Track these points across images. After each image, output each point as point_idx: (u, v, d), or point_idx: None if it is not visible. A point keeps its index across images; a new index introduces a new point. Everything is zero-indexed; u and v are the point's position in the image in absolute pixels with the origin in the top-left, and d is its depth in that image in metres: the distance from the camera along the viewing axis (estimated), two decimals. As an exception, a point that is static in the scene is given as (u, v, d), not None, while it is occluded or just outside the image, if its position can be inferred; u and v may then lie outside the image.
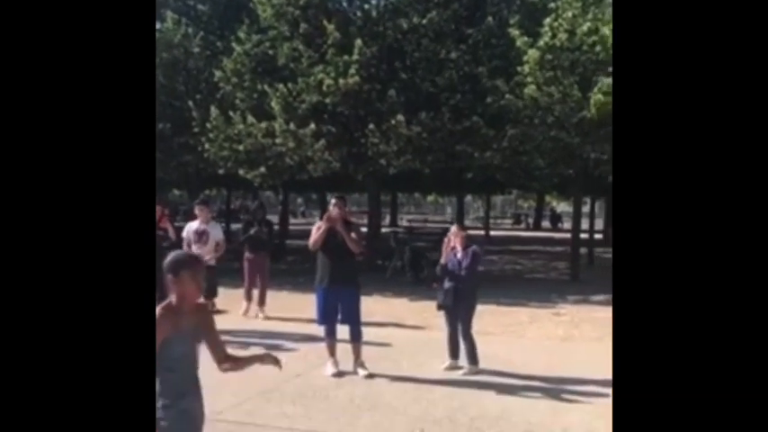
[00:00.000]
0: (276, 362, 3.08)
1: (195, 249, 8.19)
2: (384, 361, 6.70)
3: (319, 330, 6.68)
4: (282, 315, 9.33)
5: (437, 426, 4.95)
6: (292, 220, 33.86)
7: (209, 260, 8.24)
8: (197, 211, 8.81)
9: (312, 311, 9.67)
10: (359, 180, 14.42)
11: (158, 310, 2.74)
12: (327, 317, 6.36)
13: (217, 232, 8.85)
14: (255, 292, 9.53)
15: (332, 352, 6.44)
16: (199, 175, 15.91)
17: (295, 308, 10.02)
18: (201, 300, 3.01)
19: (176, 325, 2.71)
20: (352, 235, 6.30)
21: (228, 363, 2.99)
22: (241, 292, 9.72)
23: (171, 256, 2.87)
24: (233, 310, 9.47)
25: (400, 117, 11.97)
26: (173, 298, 2.78)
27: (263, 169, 12.89)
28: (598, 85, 11.07)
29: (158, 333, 2.64)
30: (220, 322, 8.61)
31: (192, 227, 8.73)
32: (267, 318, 9.24)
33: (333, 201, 6.53)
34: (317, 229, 6.44)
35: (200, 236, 8.61)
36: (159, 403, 2.70)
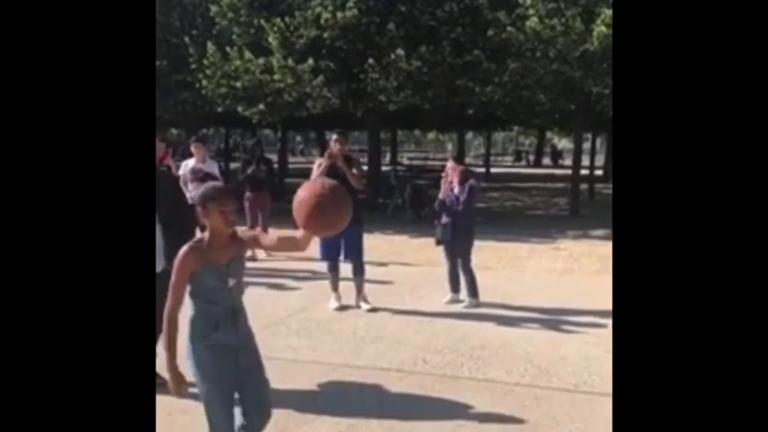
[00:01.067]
0: None
1: (192, 188, 8.18)
2: (386, 295, 6.80)
3: (322, 267, 6.76)
4: (284, 253, 9.38)
5: (439, 355, 5.07)
6: (291, 159, 33.82)
7: None
8: (193, 148, 8.70)
9: (314, 249, 9.78)
10: (358, 117, 14.30)
11: (186, 246, 2.79)
12: (330, 253, 6.42)
13: (213, 170, 8.79)
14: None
15: (335, 287, 6.53)
16: (196, 113, 15.78)
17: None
18: (245, 232, 2.94)
19: (205, 259, 2.73)
20: (354, 171, 6.30)
21: (280, 243, 3.01)
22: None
23: (200, 188, 2.89)
24: None
25: (400, 51, 11.79)
26: (206, 232, 2.82)
27: (261, 106, 12.78)
28: (601, 17, 10.85)
29: (184, 267, 2.71)
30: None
31: (188, 165, 8.68)
32: (270, 256, 9.32)
33: (334, 136, 6.50)
34: (317, 167, 6.43)
35: (197, 174, 8.58)
36: (195, 334, 2.78)
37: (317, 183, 2.82)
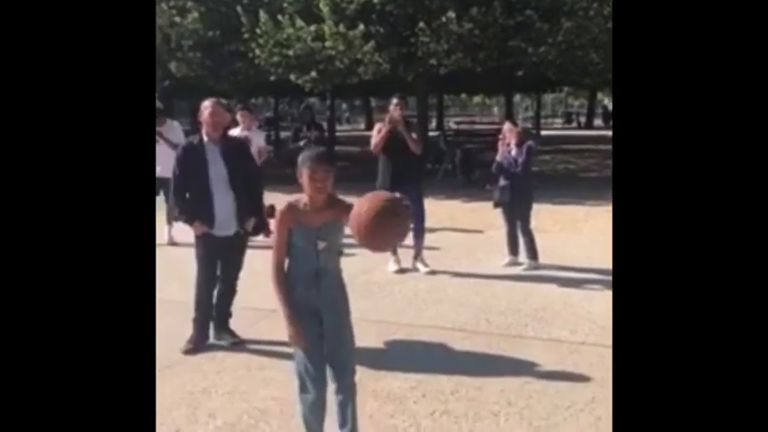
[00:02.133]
0: None
1: None
2: (443, 259, 6.88)
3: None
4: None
5: (502, 316, 5.15)
6: (338, 127, 33.90)
7: None
8: (239, 117, 8.60)
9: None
10: (408, 82, 14.23)
11: (286, 203, 2.94)
12: None
13: (258, 139, 8.64)
14: None
15: (394, 250, 6.64)
16: (248, 82, 15.93)
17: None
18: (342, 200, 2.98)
19: (299, 218, 2.88)
20: (414, 135, 6.36)
21: None
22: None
23: (304, 152, 3.00)
24: None
25: (451, 14, 11.65)
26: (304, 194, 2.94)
27: (313, 74, 12.83)
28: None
29: (281, 223, 2.88)
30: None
31: (233, 134, 8.71)
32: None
33: (394, 101, 6.54)
34: (377, 132, 6.50)
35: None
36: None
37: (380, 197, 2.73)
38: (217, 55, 13.69)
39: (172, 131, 8.30)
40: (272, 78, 13.72)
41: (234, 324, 4.76)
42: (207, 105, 4.61)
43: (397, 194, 2.73)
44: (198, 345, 4.57)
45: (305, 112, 9.96)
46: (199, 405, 3.71)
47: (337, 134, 26.29)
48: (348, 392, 3.00)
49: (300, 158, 2.90)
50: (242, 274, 4.78)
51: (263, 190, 4.96)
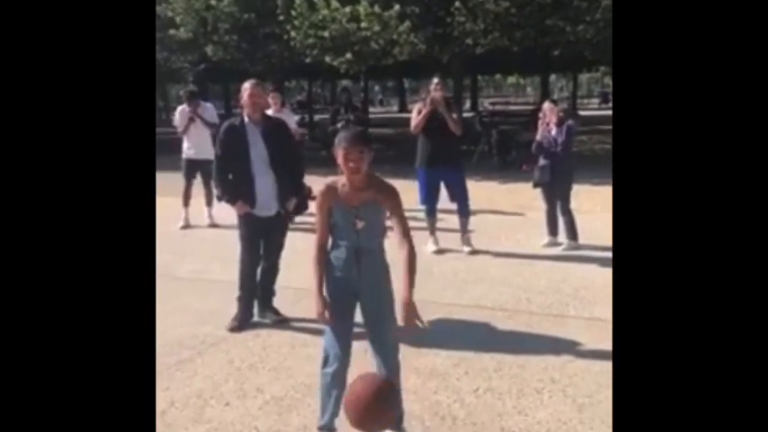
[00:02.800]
0: (410, 320, 2.91)
1: None
2: (482, 239, 6.87)
3: (411, 214, 6.89)
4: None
5: (543, 295, 5.14)
6: (371, 109, 33.88)
7: None
8: (270, 99, 8.38)
9: (404, 196, 9.89)
10: (443, 63, 14.15)
11: (325, 183, 2.99)
12: (429, 197, 6.55)
13: (290, 121, 8.46)
14: None
15: (432, 230, 6.66)
16: (282, 65, 16.01)
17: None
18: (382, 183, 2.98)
19: (338, 198, 2.93)
20: (454, 116, 6.36)
21: (402, 252, 2.94)
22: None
23: (341, 132, 3.05)
24: None
25: (487, -8, 11.55)
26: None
27: (348, 55, 12.83)
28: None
29: (320, 202, 2.96)
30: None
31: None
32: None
33: (435, 80, 6.54)
34: (417, 112, 6.50)
35: None
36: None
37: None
38: (252, 38, 13.78)
39: (206, 113, 8.39)
40: (307, 60, 13.77)
41: (277, 302, 4.84)
42: (246, 87, 4.66)
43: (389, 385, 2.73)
44: (242, 322, 4.66)
45: (342, 94, 9.88)
46: (246, 380, 3.80)
47: (371, 116, 26.27)
48: (392, 372, 3.03)
49: (337, 139, 2.93)
50: (284, 254, 4.84)
51: (303, 170, 5.02)
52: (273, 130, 4.72)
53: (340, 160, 2.89)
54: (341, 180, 2.97)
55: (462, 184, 6.56)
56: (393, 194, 2.93)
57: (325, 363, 3.04)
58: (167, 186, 9.57)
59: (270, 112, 8.18)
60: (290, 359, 4.09)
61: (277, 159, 4.60)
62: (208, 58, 15.59)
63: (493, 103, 31.83)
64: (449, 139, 6.38)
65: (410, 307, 2.84)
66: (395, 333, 3.08)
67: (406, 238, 2.91)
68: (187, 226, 8.19)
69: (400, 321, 2.89)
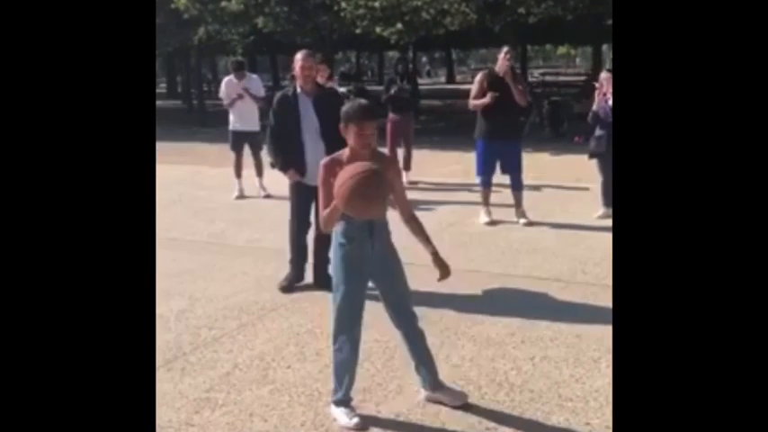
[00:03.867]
0: (445, 271, 3.15)
1: None
2: (535, 211, 6.83)
3: (462, 186, 6.90)
4: (426, 174, 9.47)
5: (598, 267, 5.10)
6: (419, 80, 33.64)
7: None
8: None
9: (454, 168, 9.93)
10: (494, 33, 13.95)
11: (327, 157, 2.99)
12: (486, 168, 6.53)
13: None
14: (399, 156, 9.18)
15: (486, 201, 6.65)
16: (332, 36, 16.02)
17: (437, 165, 10.29)
18: (384, 154, 3.06)
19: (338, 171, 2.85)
20: (519, 87, 6.31)
21: (410, 225, 3.12)
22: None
23: (347, 104, 3.02)
24: None
25: (541, -40, 11.31)
26: (347, 148, 2.96)
27: (399, 26, 12.77)
28: None
29: (324, 175, 2.90)
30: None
31: (360, 86, 8.63)
32: (412, 183, 8.75)
33: (505, 48, 6.47)
34: (478, 84, 6.47)
35: None
36: (335, 243, 3.03)
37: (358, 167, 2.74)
38: (302, 9, 13.81)
39: (252, 85, 8.45)
40: (357, 31, 13.74)
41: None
42: (298, 58, 4.75)
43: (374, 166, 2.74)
44: (292, 282, 4.81)
45: (398, 64, 9.63)
46: (306, 344, 3.90)
47: (419, 87, 26.09)
48: (421, 337, 3.14)
49: (344, 115, 2.91)
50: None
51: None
52: (325, 100, 4.76)
53: (351, 135, 2.90)
54: (344, 154, 2.96)
55: (519, 156, 6.52)
56: (394, 163, 3.06)
57: (335, 338, 3.07)
58: (221, 157, 9.77)
59: None
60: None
61: (328, 129, 4.64)
62: (257, 29, 15.69)
63: (543, 74, 31.26)
64: (511, 111, 6.36)
65: (437, 257, 3.11)
66: (410, 299, 3.19)
67: (408, 204, 3.12)
68: (242, 196, 8.34)
69: (435, 277, 3.12)
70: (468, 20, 12.52)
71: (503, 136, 6.36)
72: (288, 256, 4.89)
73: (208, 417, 3.13)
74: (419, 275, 5.20)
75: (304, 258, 4.88)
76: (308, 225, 4.83)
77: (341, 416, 3.03)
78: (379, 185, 2.70)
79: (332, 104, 4.81)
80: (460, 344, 3.85)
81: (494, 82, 6.32)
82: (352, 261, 3.00)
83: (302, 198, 4.75)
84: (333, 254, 3.08)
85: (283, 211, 5.15)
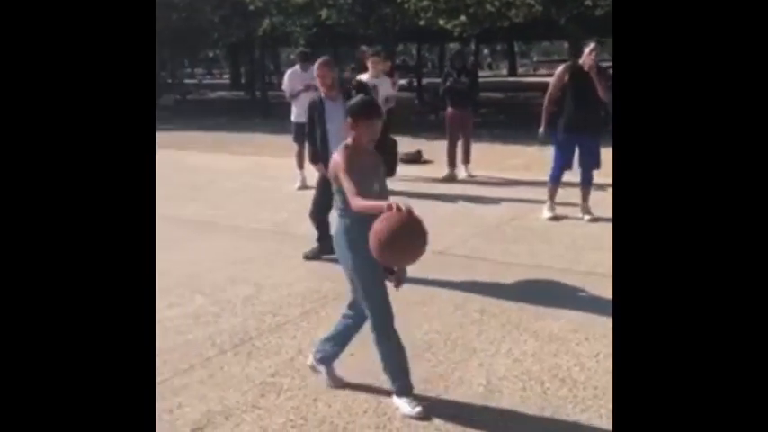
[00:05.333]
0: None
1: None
2: (601, 206, 6.71)
3: (523, 182, 6.81)
4: (485, 167, 9.38)
5: (665, 265, 4.98)
6: (480, 73, 33.33)
7: None
8: (369, 63, 8.20)
9: (515, 162, 9.82)
10: (559, 25, 13.70)
11: (337, 153, 3.02)
12: (564, 162, 6.44)
13: (387, 87, 8.15)
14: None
15: (552, 197, 6.56)
16: (395, 28, 16.03)
17: (497, 159, 10.20)
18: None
19: (357, 162, 2.94)
20: (605, 83, 6.21)
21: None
22: (440, 144, 9.57)
23: (355, 100, 3.13)
24: (438, 161, 9.59)
25: (610, -50, 11.02)
26: (349, 139, 3.05)
27: (462, 18, 12.67)
28: None
29: (349, 165, 2.90)
30: (428, 186, 8.98)
31: (361, 80, 8.43)
32: (471, 176, 8.77)
33: (591, 45, 6.36)
34: (559, 79, 6.39)
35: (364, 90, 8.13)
36: (340, 228, 3.09)
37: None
38: (366, 0, 13.84)
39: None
40: (420, 23, 13.70)
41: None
42: (316, 67, 5.38)
43: (414, 214, 2.69)
44: (317, 254, 5.40)
45: (456, 58, 9.40)
46: (367, 333, 3.93)
47: (480, 80, 25.89)
48: (359, 327, 3.32)
49: (352, 110, 3.02)
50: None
51: (388, 141, 5.28)
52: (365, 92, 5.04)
53: (362, 128, 2.97)
54: (350, 143, 3.03)
55: (598, 152, 6.37)
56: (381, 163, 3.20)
57: (381, 330, 3.11)
58: (283, 148, 9.93)
59: (365, 77, 7.97)
60: (407, 316, 4.18)
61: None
62: (321, 21, 15.83)
63: (607, 68, 30.47)
64: (594, 107, 6.26)
65: None
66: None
67: (387, 197, 3.09)
68: (303, 187, 8.46)
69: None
70: (534, 12, 12.33)
71: (584, 130, 6.27)
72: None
73: (273, 400, 3.22)
74: (482, 269, 5.20)
75: (326, 231, 5.14)
76: (328, 210, 4.97)
77: (403, 405, 3.07)
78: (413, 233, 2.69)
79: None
80: (522, 339, 3.83)
81: (575, 75, 6.23)
82: (345, 241, 3.07)
83: (326, 190, 4.92)
84: (340, 242, 3.11)
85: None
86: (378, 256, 2.75)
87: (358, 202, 2.85)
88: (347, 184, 2.90)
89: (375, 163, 3.10)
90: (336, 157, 3.00)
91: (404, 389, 3.11)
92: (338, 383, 3.33)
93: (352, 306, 3.28)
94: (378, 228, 2.68)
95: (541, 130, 6.49)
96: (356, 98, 3.20)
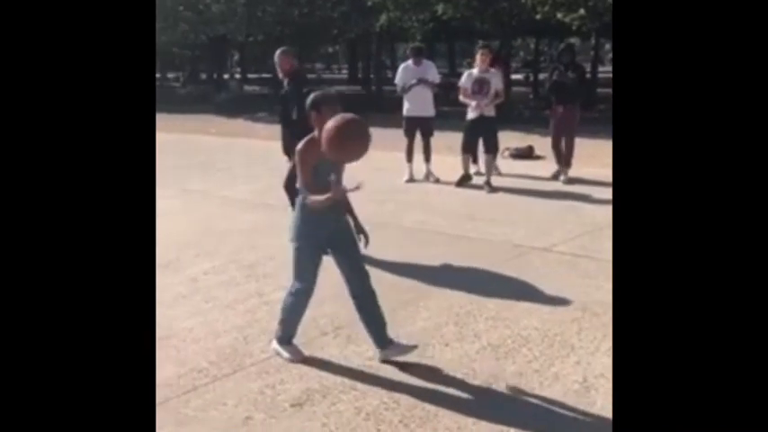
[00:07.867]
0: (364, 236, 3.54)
1: (473, 99, 7.93)
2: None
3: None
4: (601, 165, 9.06)
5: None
6: (601, 68, 32.18)
7: (488, 111, 7.92)
8: (479, 57, 8.10)
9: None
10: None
11: (302, 143, 3.28)
12: None
13: (497, 81, 8.05)
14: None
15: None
16: (511, 22, 15.82)
17: (603, 157, 9.86)
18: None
19: (321, 154, 3.19)
20: None
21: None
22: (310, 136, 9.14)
23: (311, 96, 3.37)
24: (551, 156, 9.33)
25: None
26: (316, 132, 3.27)
27: (581, 11, 12.33)
28: None
29: (307, 162, 3.26)
30: (538, 183, 8.78)
31: (472, 74, 8.16)
32: (568, 180, 8.31)
33: None
34: None
35: (481, 85, 7.95)
36: (301, 217, 3.38)
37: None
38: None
39: (428, 71, 8.57)
40: (537, 17, 13.46)
41: (493, 255, 4.98)
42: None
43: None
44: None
45: (563, 53, 8.84)
46: (465, 325, 3.99)
47: (599, 75, 25.00)
48: (373, 294, 3.48)
49: (313, 102, 3.29)
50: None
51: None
52: None
53: (327, 118, 3.14)
54: (315, 138, 3.24)
55: None
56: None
57: (295, 288, 3.47)
58: (393, 141, 10.09)
59: (476, 71, 8.06)
60: (508, 311, 4.20)
61: None
62: (437, 16, 15.90)
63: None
64: None
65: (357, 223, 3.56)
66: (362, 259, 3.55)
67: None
68: (411, 180, 8.58)
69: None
70: (658, 4, 11.78)
71: None
72: (459, 244, 5.05)
73: (369, 383, 3.33)
74: (588, 267, 5.08)
75: None
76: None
77: (281, 351, 3.58)
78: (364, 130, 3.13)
79: None
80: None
81: None
82: (317, 234, 3.39)
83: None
84: (297, 223, 3.42)
85: (449, 196, 5.28)
86: (330, 154, 3.11)
87: (310, 199, 3.26)
88: (302, 179, 3.30)
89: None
90: (299, 148, 3.29)
91: (284, 339, 3.57)
92: (408, 351, 3.51)
93: (352, 293, 3.51)
94: (327, 128, 3.06)
95: None
96: (315, 93, 3.44)
